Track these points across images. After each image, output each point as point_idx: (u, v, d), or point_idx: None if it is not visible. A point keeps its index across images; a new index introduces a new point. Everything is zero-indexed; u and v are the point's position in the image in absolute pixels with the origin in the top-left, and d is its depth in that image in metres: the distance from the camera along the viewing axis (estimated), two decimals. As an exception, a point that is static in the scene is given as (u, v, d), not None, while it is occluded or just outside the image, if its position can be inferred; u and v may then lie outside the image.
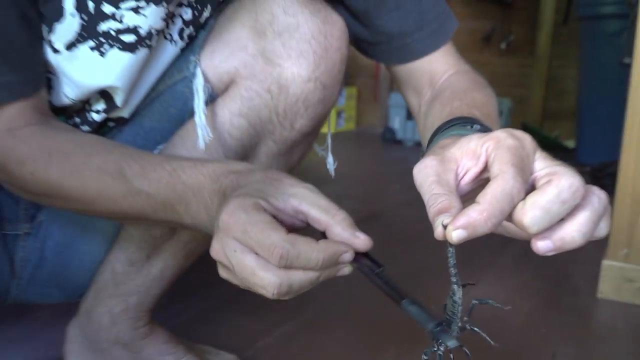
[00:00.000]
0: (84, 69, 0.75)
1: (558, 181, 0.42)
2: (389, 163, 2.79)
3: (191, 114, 0.77)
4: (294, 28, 0.71)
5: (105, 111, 0.81)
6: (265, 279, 0.50)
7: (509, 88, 3.26)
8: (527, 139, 0.46)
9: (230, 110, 0.75)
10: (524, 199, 0.43)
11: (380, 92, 3.51)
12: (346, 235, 0.53)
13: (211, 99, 0.75)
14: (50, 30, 0.71)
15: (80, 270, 0.89)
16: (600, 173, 2.19)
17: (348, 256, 0.52)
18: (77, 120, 0.82)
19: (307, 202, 0.54)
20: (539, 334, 1.05)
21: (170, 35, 0.78)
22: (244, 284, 0.53)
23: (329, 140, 0.89)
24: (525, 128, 3.08)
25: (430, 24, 0.80)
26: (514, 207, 0.43)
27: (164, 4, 0.72)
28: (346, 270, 0.53)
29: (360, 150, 3.07)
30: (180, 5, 0.76)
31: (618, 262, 1.19)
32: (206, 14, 0.79)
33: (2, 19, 0.66)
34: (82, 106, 0.82)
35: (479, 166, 0.46)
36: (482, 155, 0.46)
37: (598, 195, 0.44)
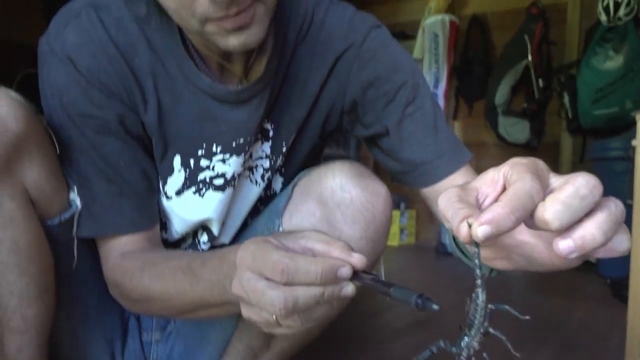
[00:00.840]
0: (188, 208, 0.80)
1: (575, 180, 0.37)
2: (439, 271, 2.73)
3: None
4: (349, 201, 0.73)
5: (209, 241, 0.86)
6: (273, 296, 0.47)
7: (538, 212, 3.18)
8: (539, 160, 0.41)
9: None
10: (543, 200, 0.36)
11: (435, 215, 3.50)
12: (343, 255, 0.50)
13: None
14: (165, 183, 0.78)
15: None
16: (619, 285, 2.05)
17: (346, 270, 0.49)
18: (190, 252, 0.86)
19: (312, 239, 0.53)
20: None
21: (255, 180, 0.83)
22: (262, 317, 0.50)
23: (382, 269, 0.90)
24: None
25: (447, 153, 0.79)
26: (534, 207, 0.37)
27: (243, 155, 0.78)
28: (349, 289, 0.49)
29: (418, 260, 3.03)
30: (260, 158, 0.82)
31: (634, 366, 1.11)
32: (279, 162, 0.84)
33: (129, 174, 0.73)
34: (192, 240, 0.86)
35: (498, 190, 0.41)
36: (500, 180, 0.40)
37: (614, 202, 0.38)
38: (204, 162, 0.78)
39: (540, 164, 0.40)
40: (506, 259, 0.46)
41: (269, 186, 0.86)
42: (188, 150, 0.76)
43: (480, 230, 0.36)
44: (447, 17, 3.26)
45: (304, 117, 0.81)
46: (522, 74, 3.05)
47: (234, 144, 0.77)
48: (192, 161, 0.77)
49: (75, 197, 0.72)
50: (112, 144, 0.71)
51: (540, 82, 3.02)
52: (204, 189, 0.79)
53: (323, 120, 0.84)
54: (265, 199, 0.87)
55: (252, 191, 0.84)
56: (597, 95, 2.72)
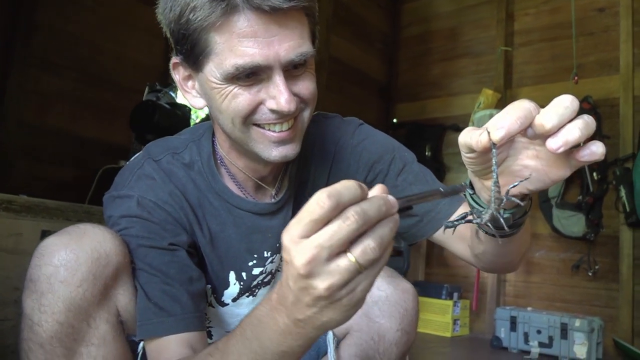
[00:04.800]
0: (244, 308, 0.90)
1: (559, 97, 0.51)
2: (496, 367, 2.63)
3: (324, 353, 0.88)
4: (385, 298, 0.85)
5: None
6: (346, 217, 0.45)
7: (599, 308, 3.04)
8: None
9: (349, 352, 0.86)
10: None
11: (488, 306, 3.41)
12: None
13: (336, 344, 0.86)
14: (222, 294, 0.88)
15: None
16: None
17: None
18: None
19: None
20: None
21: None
22: (340, 269, 0.45)
23: None
24: (617, 344, 2.80)
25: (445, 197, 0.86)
26: (532, 118, 0.51)
27: (279, 253, 0.88)
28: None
29: (471, 354, 2.93)
30: None
31: None
32: None
33: (175, 291, 0.76)
34: None
35: None
36: None
37: (586, 115, 0.51)
38: (256, 270, 0.88)
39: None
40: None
41: None
42: (240, 266, 0.87)
43: (497, 133, 0.50)
44: (494, 112, 3.34)
45: None
46: (575, 167, 3.05)
47: (277, 245, 0.88)
48: (244, 274, 0.88)
49: None
50: (172, 258, 0.78)
51: (595, 175, 3.00)
52: (257, 290, 0.90)
53: None
54: None
55: None
56: (654, 190, 2.67)
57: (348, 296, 0.47)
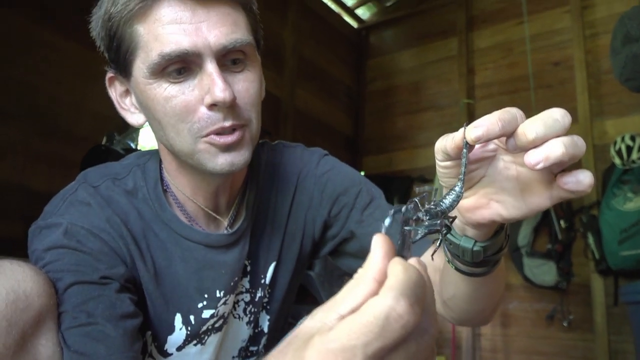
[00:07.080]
0: (190, 358, 0.79)
1: (550, 109, 0.45)
2: None
3: None
4: None
5: None
6: (383, 303, 0.34)
7: (576, 359, 2.98)
8: None
9: None
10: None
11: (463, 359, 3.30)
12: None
13: None
14: (165, 342, 0.76)
15: None
16: None
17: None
18: None
19: (337, 301, 0.42)
20: None
21: (238, 314, 0.83)
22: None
23: None
24: (597, 397, 2.72)
25: None
26: (517, 126, 0.45)
27: (235, 292, 0.81)
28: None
29: (450, 414, 2.79)
30: (241, 292, 0.83)
31: None
32: (259, 294, 0.84)
33: (100, 329, 0.65)
34: None
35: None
36: None
37: (576, 135, 0.45)
38: (207, 313, 0.77)
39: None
40: (485, 208, 0.52)
41: (256, 324, 0.87)
42: (187, 308, 0.76)
43: (474, 132, 0.44)
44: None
45: (278, 249, 0.85)
46: (542, 215, 3.06)
47: (231, 284, 0.79)
48: (192, 318, 0.77)
49: None
50: (102, 292, 0.68)
51: (562, 223, 3.01)
52: (206, 337, 0.79)
53: (298, 251, 0.87)
54: (254, 336, 0.87)
55: (236, 325, 0.84)
56: (622, 236, 2.68)
57: None
